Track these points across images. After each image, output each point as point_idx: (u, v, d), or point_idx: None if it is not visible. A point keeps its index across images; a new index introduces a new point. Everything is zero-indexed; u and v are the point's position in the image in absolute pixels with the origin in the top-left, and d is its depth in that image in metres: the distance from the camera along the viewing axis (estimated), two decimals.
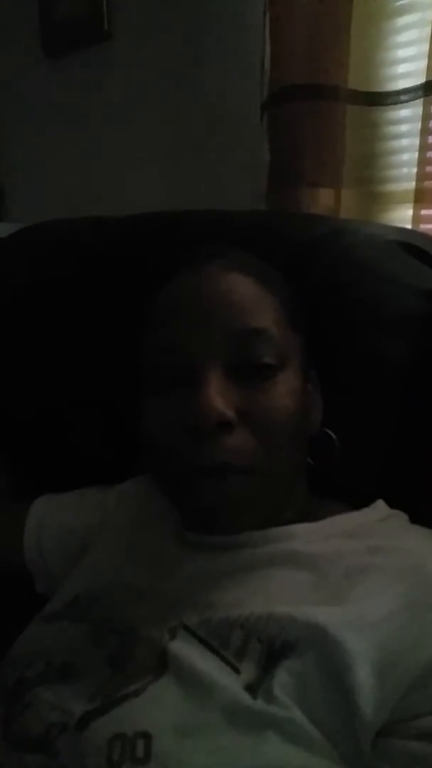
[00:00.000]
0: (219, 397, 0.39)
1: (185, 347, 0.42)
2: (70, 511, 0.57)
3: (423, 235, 0.60)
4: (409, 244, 0.56)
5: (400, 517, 0.47)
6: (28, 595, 0.56)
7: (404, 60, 0.77)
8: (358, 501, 0.48)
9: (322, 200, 0.82)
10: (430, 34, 0.72)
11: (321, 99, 0.79)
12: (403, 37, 0.76)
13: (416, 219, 0.77)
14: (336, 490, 0.50)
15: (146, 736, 0.32)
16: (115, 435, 0.61)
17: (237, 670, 0.34)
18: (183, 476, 0.41)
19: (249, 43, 0.91)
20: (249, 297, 0.43)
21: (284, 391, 0.42)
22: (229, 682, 0.34)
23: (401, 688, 0.33)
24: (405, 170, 0.78)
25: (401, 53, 0.77)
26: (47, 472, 0.64)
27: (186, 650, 0.36)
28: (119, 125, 1.20)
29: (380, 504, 0.47)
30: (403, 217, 0.78)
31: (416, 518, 0.47)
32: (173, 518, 0.48)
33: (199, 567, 0.43)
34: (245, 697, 0.33)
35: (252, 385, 0.41)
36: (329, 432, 0.49)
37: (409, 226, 0.77)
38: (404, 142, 0.78)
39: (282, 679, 0.33)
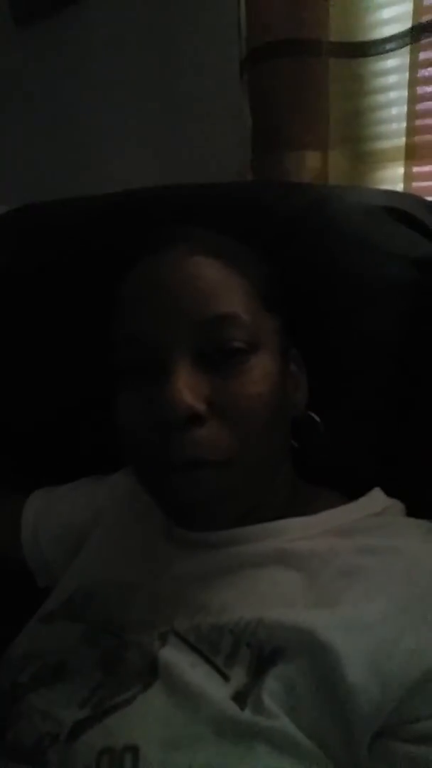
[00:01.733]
0: (187, 390, 0.38)
1: (151, 339, 0.40)
2: (65, 505, 0.57)
3: (411, 197, 0.57)
4: (396, 209, 0.54)
5: (396, 510, 0.45)
6: (30, 591, 0.57)
7: (389, 3, 0.72)
8: (354, 485, 0.47)
9: (308, 163, 0.78)
10: None
11: (302, 54, 0.74)
12: None
13: (408, 177, 0.73)
14: (330, 474, 0.49)
15: (134, 750, 0.32)
16: (104, 424, 0.60)
17: (226, 678, 0.34)
18: (157, 472, 0.40)
19: (227, 2, 0.86)
20: (214, 281, 0.41)
21: (258, 375, 0.40)
22: (218, 692, 0.33)
23: (399, 692, 0.32)
24: (394, 125, 0.74)
25: None
26: (43, 468, 0.63)
27: (176, 658, 0.35)
28: (95, 95, 1.15)
29: (376, 494, 0.46)
30: (394, 175, 0.75)
31: (414, 501, 0.46)
32: (160, 512, 0.47)
33: (188, 566, 0.42)
34: (233, 708, 0.32)
35: (223, 372, 0.39)
36: (313, 415, 0.48)
37: (401, 185, 0.74)
38: (392, 95, 0.74)
39: (271, 686, 0.33)
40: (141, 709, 0.34)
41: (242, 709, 0.32)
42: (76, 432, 0.62)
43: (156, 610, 0.40)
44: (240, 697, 0.33)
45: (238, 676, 0.34)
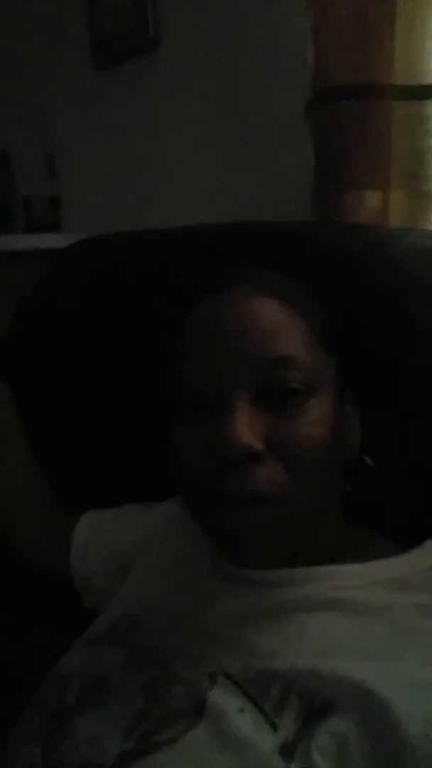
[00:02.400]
0: (246, 428, 0.38)
1: (211, 377, 0.41)
2: (113, 530, 0.58)
3: None
4: None
5: None
6: (77, 609, 0.58)
7: None
8: (406, 532, 0.46)
9: (370, 203, 0.79)
10: None
11: (366, 98, 0.76)
12: None
13: None
14: (382, 519, 0.48)
15: None
16: (157, 452, 0.62)
17: (275, 726, 0.33)
18: (211, 505, 0.41)
19: (292, 43, 0.89)
20: (276, 323, 0.42)
21: (315, 418, 0.41)
22: (265, 743, 0.32)
23: None
24: None
25: None
26: (92, 491, 0.65)
27: (225, 701, 0.35)
28: (166, 133, 1.21)
29: (430, 545, 0.44)
30: None
31: None
32: (211, 545, 0.47)
33: (236, 604, 0.42)
34: (279, 763, 0.31)
35: (281, 413, 0.40)
36: (367, 459, 0.47)
37: None
38: None
39: (321, 741, 0.32)
40: (186, 751, 0.34)
41: (288, 764, 0.31)
42: (129, 456, 0.64)
43: (202, 646, 0.40)
44: (287, 750, 0.32)
45: (287, 725, 0.33)
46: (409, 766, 0.30)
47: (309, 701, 0.34)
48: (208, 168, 1.13)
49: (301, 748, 0.32)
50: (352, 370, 0.49)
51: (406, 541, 0.45)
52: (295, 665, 0.36)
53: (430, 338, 0.51)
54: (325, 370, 0.43)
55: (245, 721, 0.34)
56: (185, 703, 0.36)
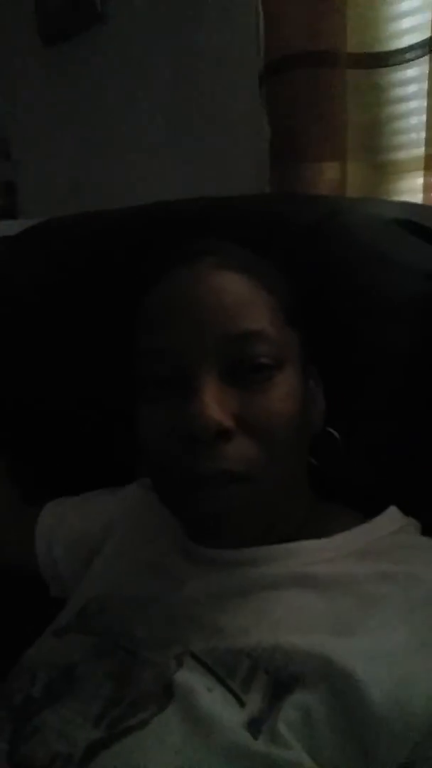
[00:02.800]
0: (215, 405, 0.37)
1: (177, 353, 0.40)
2: (77, 516, 0.57)
3: (428, 209, 0.56)
4: (411, 222, 0.53)
5: (413, 528, 0.44)
6: (44, 600, 0.58)
7: (407, 14, 0.71)
8: (368, 503, 0.46)
9: (326, 174, 0.78)
10: None
11: (319, 66, 0.74)
12: None
13: (427, 187, 0.72)
14: (344, 492, 0.48)
15: None
16: (121, 436, 0.60)
17: (242, 703, 0.33)
18: (181, 485, 0.40)
19: (243, 13, 0.87)
20: (242, 297, 0.41)
21: (284, 392, 0.40)
22: (233, 718, 0.32)
23: (420, 728, 0.31)
24: (413, 135, 0.73)
25: (403, 6, 0.71)
26: (58, 479, 0.64)
27: (192, 681, 0.35)
28: (118, 110, 1.18)
29: (392, 512, 0.45)
30: (413, 186, 0.74)
31: (430, 519, 0.45)
32: (178, 527, 0.47)
33: (203, 585, 0.42)
34: (247, 738, 0.31)
35: (249, 388, 0.39)
36: (332, 431, 0.47)
37: (420, 196, 0.73)
38: (411, 104, 0.73)
39: (288, 715, 0.32)
40: (155, 734, 0.33)
41: (256, 738, 0.31)
42: (92, 443, 0.63)
43: (170, 629, 0.40)
44: (255, 724, 0.32)
45: (254, 701, 0.33)
46: (372, 737, 0.31)
47: (275, 677, 0.34)
48: (164, 145, 1.11)
49: (268, 723, 0.32)
50: (313, 342, 0.48)
51: (371, 513, 0.46)
52: (262, 642, 0.36)
53: (387, 307, 0.51)
54: (291, 344, 0.43)
55: (213, 699, 0.34)
56: (153, 687, 0.36)
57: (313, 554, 0.41)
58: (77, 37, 1.21)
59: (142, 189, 0.69)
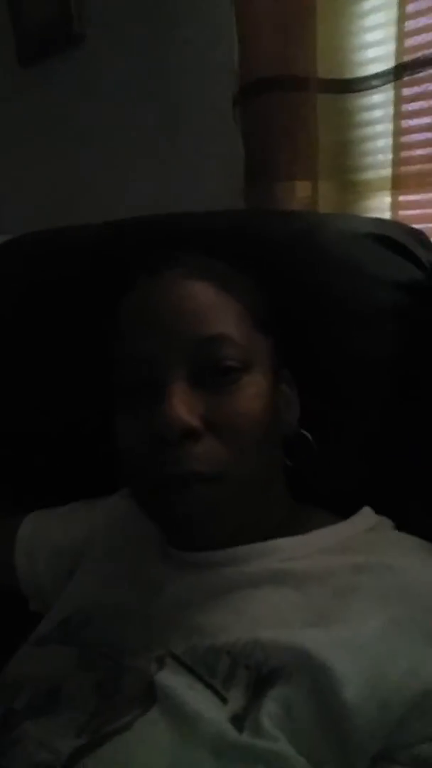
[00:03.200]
0: (183, 406, 0.39)
1: (147, 360, 0.41)
2: (58, 529, 0.57)
3: (398, 225, 0.59)
4: (383, 236, 0.56)
5: (386, 526, 0.46)
6: (23, 615, 0.57)
7: (372, 45, 0.75)
8: (342, 504, 0.47)
9: (299, 192, 0.81)
10: (396, 17, 0.70)
11: (291, 90, 0.77)
12: (369, 21, 0.75)
13: (395, 205, 0.76)
14: (319, 494, 0.50)
15: None
16: (102, 446, 0.61)
17: (224, 700, 0.34)
18: (153, 488, 0.41)
19: (221, 38, 0.90)
20: (207, 303, 0.42)
21: (251, 393, 0.41)
22: (216, 715, 0.33)
23: (397, 713, 0.32)
24: (381, 157, 0.77)
25: (369, 38, 0.75)
26: (39, 491, 0.64)
27: (173, 681, 0.35)
28: (94, 130, 1.19)
29: (366, 512, 0.46)
30: (381, 204, 0.77)
31: (402, 518, 0.47)
32: (158, 534, 0.48)
33: (183, 588, 0.42)
34: (231, 732, 0.32)
35: (217, 390, 0.41)
36: (305, 433, 0.49)
37: (388, 214, 0.76)
38: (378, 128, 0.77)
39: (270, 708, 0.32)
40: (140, 735, 0.33)
41: (240, 731, 0.32)
42: (73, 453, 0.63)
43: (151, 633, 0.40)
44: (238, 720, 0.33)
45: (236, 698, 0.34)
46: (349, 727, 0.31)
47: (256, 672, 0.34)
48: (139, 163, 1.12)
49: (250, 718, 0.33)
50: (289, 351, 0.50)
51: (345, 514, 0.47)
52: (241, 639, 0.36)
53: (360, 317, 0.53)
54: (259, 349, 0.44)
55: (195, 698, 0.34)
56: (135, 691, 0.36)
57: (289, 551, 0.42)
58: (54, 58, 1.23)
59: (117, 206, 0.70)
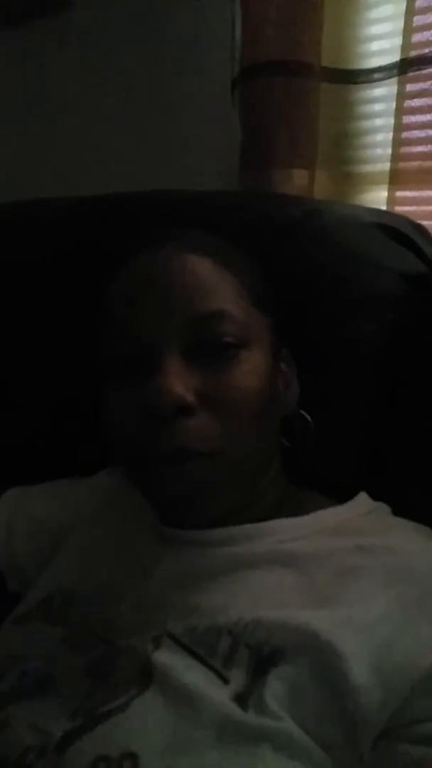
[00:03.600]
0: (177, 380, 0.38)
1: (142, 333, 0.40)
2: (40, 504, 0.55)
3: (401, 217, 0.59)
4: (385, 226, 0.55)
5: (384, 511, 0.46)
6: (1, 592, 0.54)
7: (378, 37, 0.75)
8: (339, 489, 0.47)
9: (295, 181, 0.80)
10: (404, 10, 0.70)
11: (294, 76, 0.77)
12: (377, 14, 0.75)
13: (391, 201, 0.76)
14: (316, 479, 0.49)
15: (132, 757, 0.30)
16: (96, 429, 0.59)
17: (226, 680, 0.33)
18: (146, 464, 0.40)
19: (219, 16, 0.88)
20: (206, 278, 0.41)
21: (247, 369, 0.41)
22: (218, 694, 0.32)
23: (402, 692, 0.32)
24: (380, 151, 0.77)
25: (375, 30, 0.75)
26: (25, 469, 0.61)
27: (172, 661, 0.34)
28: (82, 102, 1.15)
29: (363, 497, 0.46)
30: (377, 198, 0.77)
31: (399, 505, 0.47)
32: (149, 511, 0.46)
33: (178, 566, 0.41)
34: (235, 710, 0.31)
35: (213, 366, 0.40)
36: (304, 413, 0.48)
37: (384, 208, 0.76)
38: (379, 121, 0.77)
39: (273, 687, 0.32)
40: (137, 715, 0.32)
41: (245, 711, 0.31)
42: (61, 432, 0.61)
43: (146, 613, 0.39)
44: (241, 699, 0.32)
45: (238, 677, 0.33)
46: (354, 706, 0.31)
47: (257, 651, 0.34)
48: (130, 143, 1.09)
49: (254, 697, 0.32)
50: (288, 332, 0.49)
51: (342, 499, 0.47)
52: (243, 618, 0.36)
53: (361, 304, 0.53)
54: (258, 326, 0.43)
55: (195, 677, 0.33)
56: (131, 671, 0.35)
57: (288, 532, 0.42)
58: (40, 21, 1.18)
59: (104, 189, 0.67)
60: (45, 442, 0.61)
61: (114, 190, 0.67)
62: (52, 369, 0.61)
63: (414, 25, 0.70)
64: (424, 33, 0.70)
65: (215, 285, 0.41)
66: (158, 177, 0.99)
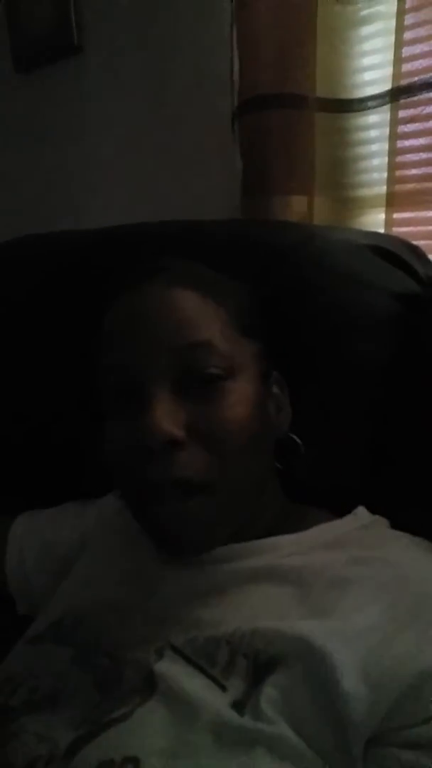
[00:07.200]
0: (166, 416, 0.39)
1: (131, 368, 0.41)
2: (51, 529, 0.57)
3: (395, 239, 0.61)
4: (380, 248, 0.57)
5: (381, 524, 0.47)
6: (10, 617, 0.55)
7: (370, 68, 0.78)
8: (340, 506, 0.48)
9: (295, 207, 0.82)
10: (393, 42, 0.73)
11: (290, 108, 0.80)
12: (368, 46, 0.77)
13: (389, 223, 0.77)
14: (317, 494, 0.50)
15: (134, 761, 0.31)
16: (94, 447, 0.60)
17: (224, 688, 0.34)
18: (140, 497, 0.41)
19: (218, 53, 0.92)
20: (190, 311, 0.43)
21: (235, 400, 0.42)
22: (216, 701, 0.33)
23: (391, 698, 0.33)
24: (376, 175, 0.79)
25: (366, 61, 0.78)
26: (34, 491, 0.63)
27: (173, 670, 0.35)
28: (91, 138, 1.20)
29: (361, 511, 0.47)
30: (375, 221, 0.79)
31: (397, 521, 0.47)
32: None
33: (181, 584, 0.42)
34: (232, 715, 0.32)
35: (200, 397, 0.41)
36: (293, 437, 0.49)
37: (382, 230, 0.78)
38: (374, 147, 0.79)
39: (269, 694, 0.33)
40: (140, 722, 0.33)
41: (241, 716, 0.32)
42: (67, 455, 0.62)
43: (150, 628, 0.40)
44: (239, 706, 0.33)
45: (236, 686, 0.34)
46: (346, 713, 0.32)
47: (254, 660, 0.35)
48: (135, 175, 1.13)
49: (251, 703, 0.33)
50: (283, 355, 0.50)
51: (339, 514, 0.47)
52: (240, 629, 0.37)
53: (356, 326, 0.54)
54: (244, 354, 0.44)
55: (195, 685, 0.34)
56: (135, 682, 0.36)
57: (286, 547, 0.43)
58: (50, 66, 1.24)
59: (112, 221, 0.70)
60: (53, 464, 0.63)
61: (123, 219, 0.70)
62: (62, 393, 0.63)
63: (403, 55, 0.73)
64: (413, 63, 0.73)
65: (199, 317, 0.43)
66: (162, 209, 1.03)
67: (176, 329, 0.41)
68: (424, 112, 0.74)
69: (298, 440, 0.50)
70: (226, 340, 0.43)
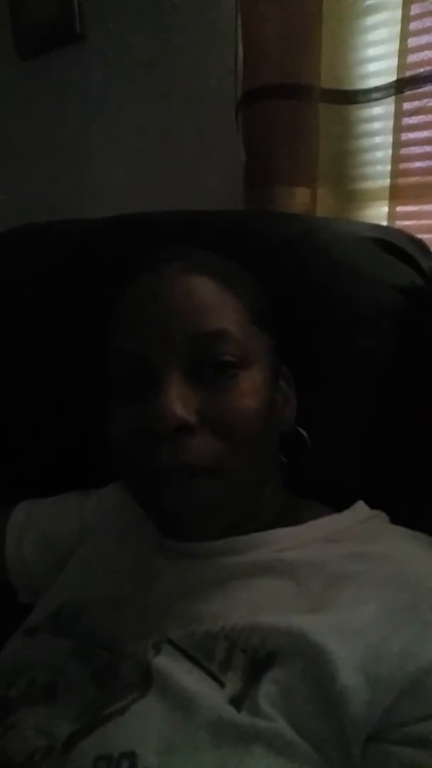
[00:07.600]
0: (178, 400, 0.39)
1: (144, 353, 0.41)
2: (50, 518, 0.57)
3: (398, 232, 0.61)
4: (384, 241, 0.57)
5: (381, 518, 0.47)
6: (11, 605, 0.56)
7: (375, 59, 0.77)
8: (340, 500, 0.48)
9: (298, 199, 0.82)
10: (399, 33, 0.73)
11: (294, 98, 0.79)
12: (373, 36, 0.77)
13: (392, 216, 0.77)
14: (318, 489, 0.50)
15: (131, 756, 0.31)
16: (98, 437, 0.60)
17: (221, 684, 0.34)
18: (147, 482, 0.41)
19: (223, 43, 0.91)
20: (207, 299, 0.42)
21: (247, 389, 0.41)
22: (214, 697, 0.33)
23: (390, 695, 0.32)
24: (379, 168, 0.79)
25: (372, 52, 0.77)
26: (35, 480, 0.63)
27: (170, 665, 0.35)
28: (94, 127, 1.20)
29: (360, 505, 0.47)
30: (378, 214, 0.79)
31: (397, 515, 0.47)
32: (152, 525, 0.47)
33: (180, 577, 0.42)
34: (230, 711, 0.32)
35: (213, 385, 0.41)
36: (300, 430, 0.49)
37: (385, 223, 0.78)
38: (378, 139, 0.79)
39: (267, 689, 0.33)
40: (137, 717, 0.33)
41: (239, 712, 0.32)
42: (70, 445, 0.62)
43: (148, 622, 0.40)
44: (236, 701, 0.33)
45: (234, 681, 0.34)
46: (344, 709, 0.32)
47: (253, 656, 0.35)
48: (138, 165, 1.13)
49: (248, 699, 0.33)
50: (288, 349, 0.50)
51: (340, 508, 0.47)
52: (239, 624, 0.37)
53: (359, 319, 0.54)
54: (257, 345, 0.44)
55: (193, 680, 0.34)
56: (134, 676, 0.36)
57: (286, 541, 0.43)
58: (53, 54, 1.23)
59: (114, 209, 0.70)
60: (54, 456, 0.63)
61: (126, 209, 0.69)
62: (65, 382, 0.63)
63: (409, 46, 0.72)
64: (419, 54, 0.72)
65: (216, 305, 0.42)
66: (167, 196, 1.03)
67: (193, 316, 0.41)
68: (429, 104, 0.73)
69: (305, 434, 0.49)
70: (242, 330, 0.43)
